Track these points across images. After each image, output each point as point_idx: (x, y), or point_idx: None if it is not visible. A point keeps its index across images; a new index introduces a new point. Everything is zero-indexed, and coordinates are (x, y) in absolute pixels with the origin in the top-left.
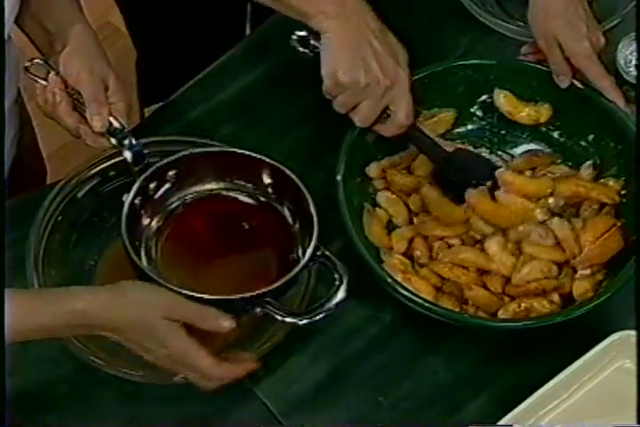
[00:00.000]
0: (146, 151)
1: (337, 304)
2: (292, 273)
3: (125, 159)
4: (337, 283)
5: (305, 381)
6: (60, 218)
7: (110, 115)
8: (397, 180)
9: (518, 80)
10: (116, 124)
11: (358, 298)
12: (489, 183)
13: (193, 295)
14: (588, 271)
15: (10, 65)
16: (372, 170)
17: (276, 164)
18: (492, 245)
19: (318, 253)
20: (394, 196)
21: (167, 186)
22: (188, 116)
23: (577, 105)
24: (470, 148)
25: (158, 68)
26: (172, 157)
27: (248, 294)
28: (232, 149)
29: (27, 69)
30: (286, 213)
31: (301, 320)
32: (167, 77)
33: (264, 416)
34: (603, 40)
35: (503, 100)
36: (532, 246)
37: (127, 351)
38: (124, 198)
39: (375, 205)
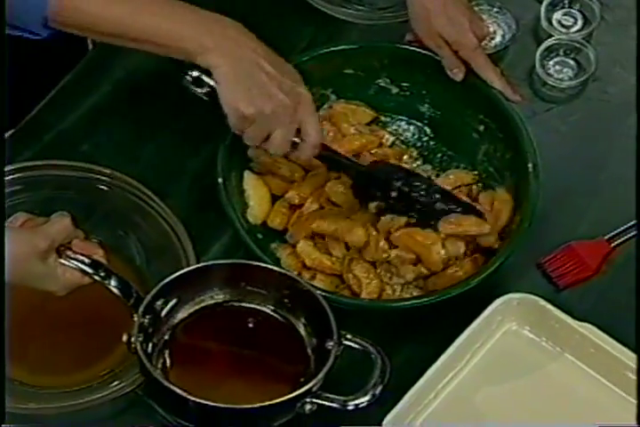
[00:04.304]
0: (9, 177)
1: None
2: (329, 364)
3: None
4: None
5: None
6: None
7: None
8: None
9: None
10: (86, 260)
11: None
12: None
13: (246, 408)
14: None
15: None
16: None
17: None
18: None
19: (342, 339)
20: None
21: (174, 301)
22: (44, 138)
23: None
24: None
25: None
26: (175, 275)
27: (299, 391)
28: (238, 261)
29: None
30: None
31: (351, 405)
32: (15, 102)
33: None
34: (486, 30)
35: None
36: None
37: (9, 385)
38: (134, 319)
39: None
